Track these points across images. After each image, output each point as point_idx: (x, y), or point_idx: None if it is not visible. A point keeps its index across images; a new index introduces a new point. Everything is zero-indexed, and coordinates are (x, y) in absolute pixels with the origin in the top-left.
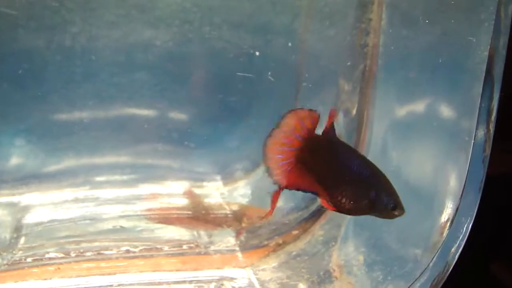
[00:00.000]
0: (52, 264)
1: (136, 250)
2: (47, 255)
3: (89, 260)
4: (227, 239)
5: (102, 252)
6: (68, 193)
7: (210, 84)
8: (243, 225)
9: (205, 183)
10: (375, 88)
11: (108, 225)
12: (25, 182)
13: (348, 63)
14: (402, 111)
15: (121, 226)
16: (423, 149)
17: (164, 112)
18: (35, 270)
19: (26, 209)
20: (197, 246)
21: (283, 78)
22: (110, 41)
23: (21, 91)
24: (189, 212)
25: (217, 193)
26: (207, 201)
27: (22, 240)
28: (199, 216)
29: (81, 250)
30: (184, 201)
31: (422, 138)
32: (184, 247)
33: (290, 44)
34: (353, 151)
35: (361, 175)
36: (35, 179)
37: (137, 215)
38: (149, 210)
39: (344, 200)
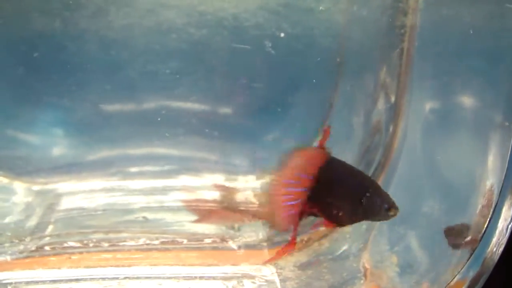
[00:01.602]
0: (74, 253)
1: (157, 242)
2: (70, 244)
3: (108, 251)
4: (255, 234)
5: (121, 243)
6: (100, 183)
7: (246, 75)
8: None
9: (239, 176)
10: (412, 73)
11: (136, 216)
12: (59, 170)
13: (385, 46)
14: (438, 99)
15: (144, 217)
16: (460, 139)
17: (200, 103)
18: (52, 258)
19: (57, 197)
20: (222, 240)
21: (321, 66)
22: (144, 29)
23: (59, 81)
24: (221, 205)
25: (249, 186)
26: (240, 194)
27: (50, 227)
28: (230, 209)
29: (104, 240)
30: (216, 194)
31: (459, 127)
32: (208, 240)
33: (328, 29)
34: (342, 163)
35: (354, 182)
36: (69, 168)
37: (166, 207)
38: (181, 201)
39: (339, 214)
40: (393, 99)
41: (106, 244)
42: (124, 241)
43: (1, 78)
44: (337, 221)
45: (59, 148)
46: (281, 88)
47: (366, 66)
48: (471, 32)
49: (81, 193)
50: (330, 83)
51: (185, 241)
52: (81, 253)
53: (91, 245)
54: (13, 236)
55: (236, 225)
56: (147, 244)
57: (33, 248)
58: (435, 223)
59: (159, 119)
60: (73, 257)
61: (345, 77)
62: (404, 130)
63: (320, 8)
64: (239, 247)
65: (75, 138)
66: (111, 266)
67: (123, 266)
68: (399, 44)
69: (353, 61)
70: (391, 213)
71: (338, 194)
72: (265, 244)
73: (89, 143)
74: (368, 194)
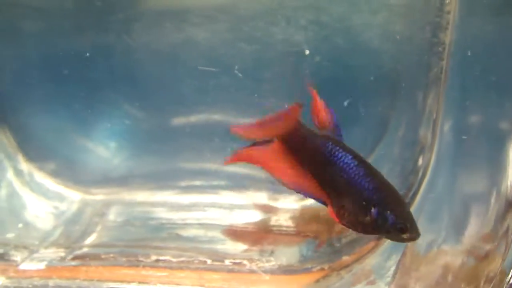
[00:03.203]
0: (105, 265)
1: (182, 259)
2: (106, 255)
3: (136, 266)
4: (286, 259)
5: (147, 259)
6: (146, 196)
7: (295, 89)
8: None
9: (280, 196)
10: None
11: (170, 232)
12: (111, 182)
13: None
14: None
15: (176, 234)
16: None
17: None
18: (84, 268)
19: (104, 208)
20: (250, 263)
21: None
22: (195, 44)
23: (114, 95)
24: (258, 226)
25: (289, 208)
26: (279, 215)
27: (91, 238)
28: (266, 231)
29: (137, 255)
30: (258, 214)
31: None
32: (235, 261)
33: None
34: (354, 156)
35: (361, 185)
36: (120, 180)
37: (203, 224)
38: (221, 220)
39: (344, 213)
40: (434, 117)
41: (141, 258)
42: (150, 257)
43: (60, 93)
44: (342, 219)
45: (113, 160)
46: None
47: (410, 86)
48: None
49: (127, 205)
50: (382, 101)
51: (209, 261)
52: (113, 266)
53: (123, 259)
54: (53, 243)
55: (270, 248)
56: (174, 262)
57: (70, 257)
58: None
59: (209, 133)
60: (104, 268)
61: (393, 96)
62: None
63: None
64: (266, 272)
65: (128, 151)
66: (136, 282)
67: (144, 282)
68: (438, 62)
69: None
70: (405, 236)
71: (342, 188)
72: (294, 269)
73: (141, 156)
74: (377, 207)
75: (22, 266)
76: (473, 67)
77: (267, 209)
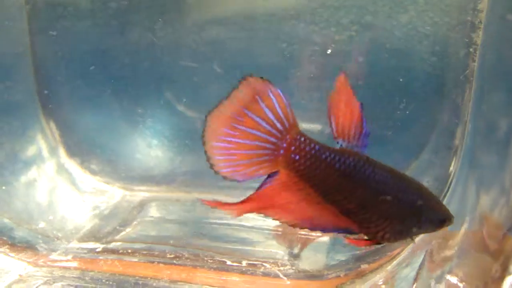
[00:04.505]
0: (132, 261)
1: (206, 259)
2: (133, 250)
3: (164, 262)
4: (310, 263)
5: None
6: (185, 194)
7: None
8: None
9: None
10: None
11: (200, 231)
12: (149, 179)
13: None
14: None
15: (201, 233)
16: None
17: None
18: (109, 262)
19: (141, 205)
20: (275, 265)
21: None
22: (235, 44)
23: (156, 93)
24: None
25: None
26: None
27: (123, 233)
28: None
29: (169, 252)
30: None
31: None
32: (256, 263)
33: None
34: (383, 169)
35: (404, 202)
36: (159, 177)
37: (233, 225)
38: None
39: (384, 234)
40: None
41: (169, 255)
42: (167, 254)
43: (106, 90)
44: (381, 240)
45: (154, 158)
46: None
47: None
48: None
49: (163, 203)
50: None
51: (229, 262)
52: (140, 262)
53: (148, 255)
54: (85, 236)
55: (296, 250)
56: (194, 261)
57: (99, 250)
58: None
59: None
60: (128, 263)
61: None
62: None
63: None
64: (287, 276)
65: (170, 150)
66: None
67: (159, 279)
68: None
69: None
70: (446, 224)
71: (383, 212)
72: (314, 274)
73: (182, 155)
74: (423, 214)
75: (52, 257)
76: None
77: None
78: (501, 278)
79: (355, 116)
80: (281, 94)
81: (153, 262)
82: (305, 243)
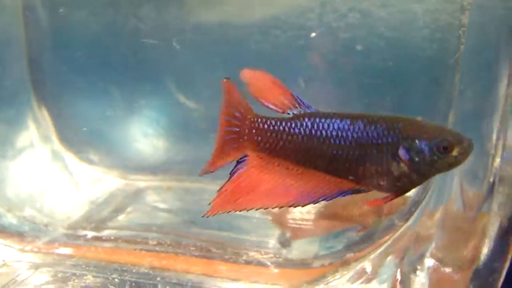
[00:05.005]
0: (121, 247)
1: (193, 249)
2: (123, 239)
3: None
4: (299, 253)
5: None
6: (179, 183)
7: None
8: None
9: None
10: None
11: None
12: (144, 169)
13: None
14: None
15: (192, 221)
16: None
17: None
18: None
19: (136, 193)
20: (264, 254)
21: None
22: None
23: (156, 83)
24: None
25: None
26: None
27: (115, 221)
28: (289, 222)
29: (157, 240)
30: None
31: None
32: (243, 251)
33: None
34: (340, 117)
35: (369, 139)
36: (154, 167)
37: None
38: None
39: (381, 181)
40: None
41: (152, 243)
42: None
43: (101, 80)
44: (385, 191)
45: (150, 147)
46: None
47: None
48: None
49: (158, 192)
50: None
51: (214, 249)
52: (129, 250)
53: (134, 243)
54: (76, 224)
55: (287, 237)
56: (179, 248)
57: (90, 237)
58: None
59: None
60: (114, 250)
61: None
62: None
63: None
64: (275, 265)
65: (165, 139)
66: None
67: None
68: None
69: None
70: (456, 152)
71: (357, 159)
72: (301, 263)
73: (178, 145)
74: (401, 145)
75: (39, 243)
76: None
77: None
78: (473, 261)
79: (280, 89)
80: (233, 85)
81: (135, 249)
82: (299, 233)
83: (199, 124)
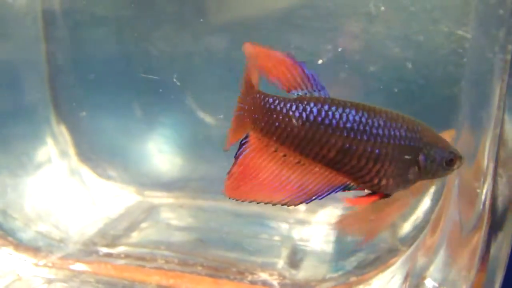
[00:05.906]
0: (131, 265)
1: (200, 269)
2: (134, 255)
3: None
4: (307, 274)
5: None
6: (192, 200)
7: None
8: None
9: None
10: None
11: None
12: (160, 185)
13: None
14: None
15: (200, 240)
16: None
17: None
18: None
19: (151, 210)
20: (272, 275)
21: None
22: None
23: (173, 101)
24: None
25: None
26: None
27: (128, 238)
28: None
29: (165, 259)
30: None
31: None
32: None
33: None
34: (356, 107)
35: (389, 138)
36: (169, 184)
37: (248, 234)
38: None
39: (384, 181)
40: None
41: (160, 261)
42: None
43: (119, 96)
44: (385, 190)
45: (166, 165)
46: None
47: None
48: None
49: (173, 209)
50: None
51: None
52: (138, 267)
53: (148, 259)
54: (89, 239)
55: (297, 263)
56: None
57: (102, 253)
58: None
59: None
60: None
61: None
62: None
63: None
64: (280, 286)
65: (182, 157)
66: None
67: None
68: None
69: None
70: (455, 166)
71: (372, 156)
72: (313, 285)
73: (195, 162)
74: (421, 151)
75: (53, 258)
76: None
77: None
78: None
79: (287, 65)
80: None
81: (144, 267)
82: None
83: (215, 141)
